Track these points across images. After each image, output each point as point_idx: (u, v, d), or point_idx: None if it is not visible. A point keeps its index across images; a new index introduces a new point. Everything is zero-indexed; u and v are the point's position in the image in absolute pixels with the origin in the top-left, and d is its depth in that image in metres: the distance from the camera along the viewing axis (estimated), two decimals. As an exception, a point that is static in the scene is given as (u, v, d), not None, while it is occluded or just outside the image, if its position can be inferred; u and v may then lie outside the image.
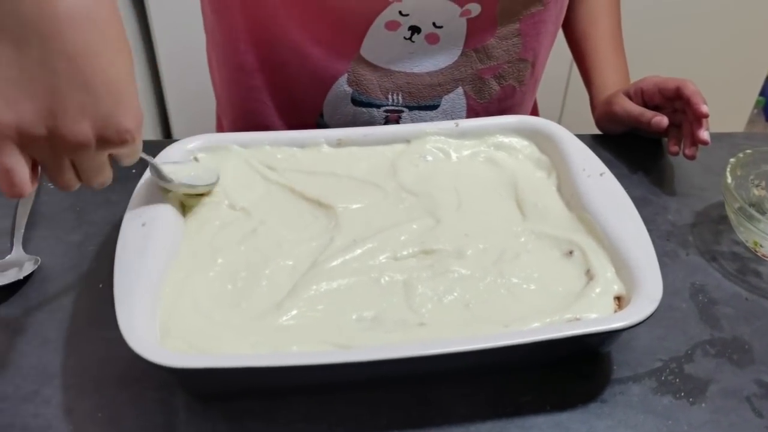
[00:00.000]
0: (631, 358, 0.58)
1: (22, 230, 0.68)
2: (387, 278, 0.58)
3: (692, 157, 0.76)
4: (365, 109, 0.83)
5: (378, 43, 0.78)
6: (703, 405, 0.55)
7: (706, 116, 0.73)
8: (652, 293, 0.53)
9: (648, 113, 0.79)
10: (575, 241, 0.61)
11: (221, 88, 0.91)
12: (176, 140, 0.69)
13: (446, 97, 0.83)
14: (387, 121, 0.84)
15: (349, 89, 0.82)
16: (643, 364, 0.58)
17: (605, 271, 0.57)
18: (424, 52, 0.80)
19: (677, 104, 0.78)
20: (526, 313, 0.55)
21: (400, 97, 0.82)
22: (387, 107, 0.83)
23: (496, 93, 0.85)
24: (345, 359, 0.49)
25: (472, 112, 0.86)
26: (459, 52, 0.80)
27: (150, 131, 1.73)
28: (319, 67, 0.81)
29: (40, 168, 0.47)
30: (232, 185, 0.66)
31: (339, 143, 0.71)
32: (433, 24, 0.77)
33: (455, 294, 0.57)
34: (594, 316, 0.54)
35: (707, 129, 0.74)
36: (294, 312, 0.55)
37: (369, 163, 0.70)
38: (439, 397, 0.54)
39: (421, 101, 0.83)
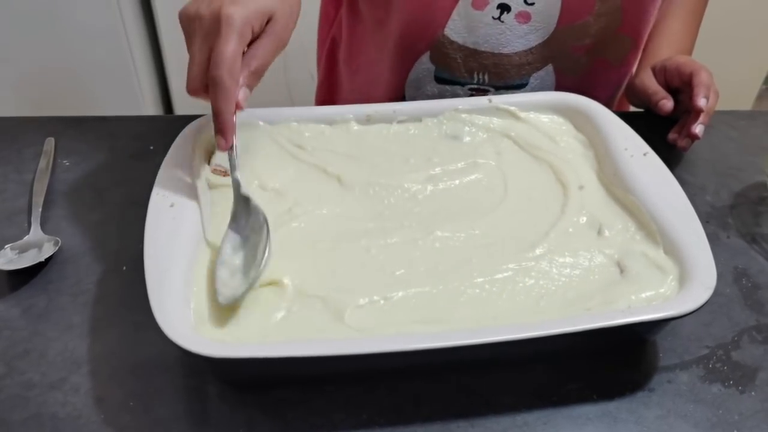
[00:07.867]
0: (678, 345, 0.57)
1: (40, 209, 0.65)
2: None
3: (684, 149, 0.74)
4: (449, 87, 0.80)
5: (464, 23, 0.75)
6: (753, 393, 0.54)
7: (700, 110, 0.70)
8: (706, 280, 0.51)
9: (659, 94, 0.75)
10: (617, 225, 0.59)
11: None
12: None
13: (535, 75, 0.79)
14: None
15: (431, 66, 0.78)
16: (689, 351, 0.56)
17: (653, 256, 0.55)
18: (513, 32, 0.75)
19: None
20: (571, 299, 0.53)
21: (486, 77, 0.78)
22: (472, 86, 0.79)
23: (587, 67, 0.80)
24: (388, 348, 0.47)
25: (562, 89, 0.80)
26: (551, 31, 0.76)
27: (151, 107, 1.69)
28: (401, 44, 0.77)
29: None
30: (261, 165, 0.63)
31: (368, 119, 0.68)
32: (524, 1, 0.73)
33: (498, 279, 0.55)
34: (642, 303, 0.52)
35: (704, 123, 0.71)
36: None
37: (402, 147, 0.67)
38: (482, 387, 0.53)
39: (509, 81, 0.79)
